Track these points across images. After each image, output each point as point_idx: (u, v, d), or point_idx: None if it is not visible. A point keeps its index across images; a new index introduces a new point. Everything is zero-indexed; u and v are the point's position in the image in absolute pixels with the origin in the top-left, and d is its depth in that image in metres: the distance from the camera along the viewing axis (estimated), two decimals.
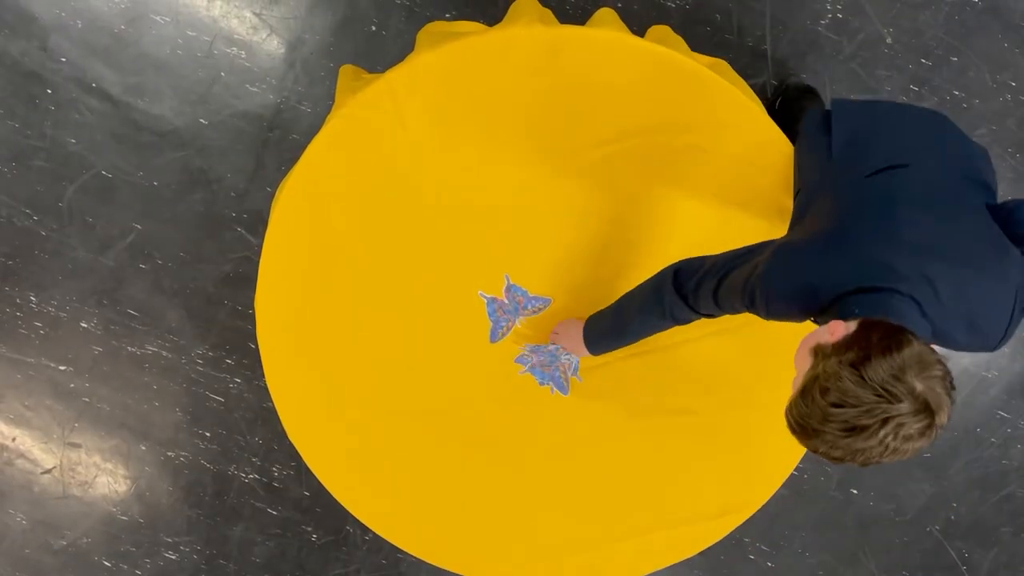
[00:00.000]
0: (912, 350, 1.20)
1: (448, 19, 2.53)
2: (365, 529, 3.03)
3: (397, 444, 2.09)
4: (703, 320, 1.69)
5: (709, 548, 2.12)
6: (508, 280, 2.02)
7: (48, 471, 3.05)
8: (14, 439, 3.02)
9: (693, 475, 2.08)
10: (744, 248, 1.56)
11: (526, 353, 2.05)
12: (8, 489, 3.07)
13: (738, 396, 2.04)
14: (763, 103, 2.33)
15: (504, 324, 2.04)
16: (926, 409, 1.19)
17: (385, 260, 2.00)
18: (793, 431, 1.30)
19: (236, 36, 2.67)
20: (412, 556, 2.15)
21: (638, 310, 1.70)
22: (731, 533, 2.12)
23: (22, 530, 3.08)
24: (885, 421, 1.18)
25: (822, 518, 2.98)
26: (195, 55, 2.68)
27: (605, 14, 2.26)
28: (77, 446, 3.01)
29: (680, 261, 1.66)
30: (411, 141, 1.94)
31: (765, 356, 2.01)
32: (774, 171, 1.92)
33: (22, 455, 3.04)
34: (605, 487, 2.09)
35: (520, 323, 2.04)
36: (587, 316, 1.92)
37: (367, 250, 1.99)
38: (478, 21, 2.45)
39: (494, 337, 2.04)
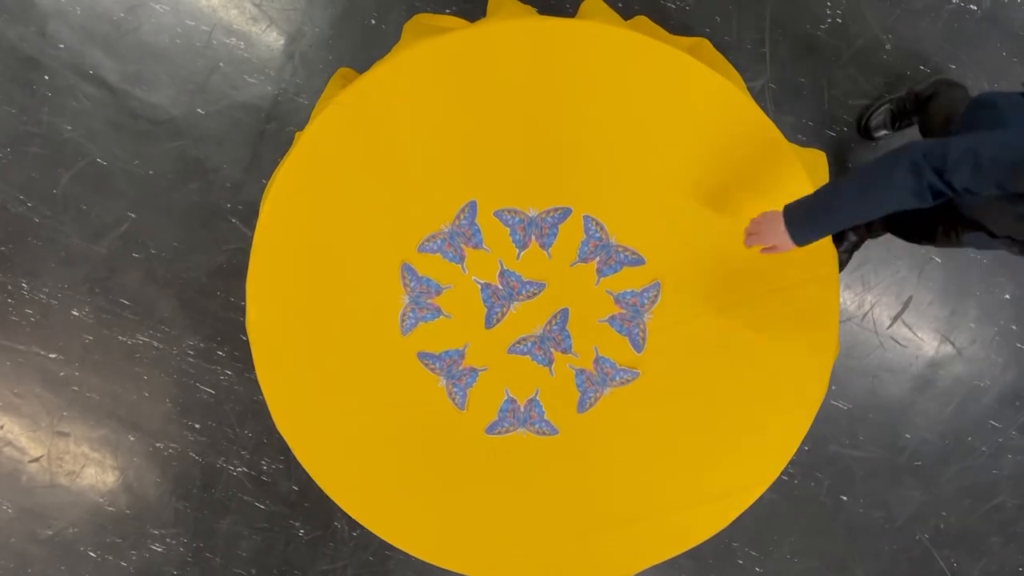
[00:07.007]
0: None
1: (447, 15, 2.53)
2: (353, 525, 3.02)
3: (387, 439, 2.08)
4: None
5: (698, 551, 2.10)
6: (502, 265, 2.01)
7: (36, 459, 3.03)
8: (2, 427, 3.00)
9: (694, 458, 2.06)
10: (971, 136, 1.67)
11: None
12: None
13: (740, 372, 2.02)
14: (766, 108, 2.34)
15: (499, 310, 2.03)
16: None
17: (377, 252, 1.99)
18: None
19: (235, 26, 2.67)
20: (400, 552, 2.14)
21: (885, 186, 1.71)
22: (720, 537, 2.10)
23: (8, 519, 3.06)
24: None
25: (811, 524, 2.97)
26: (194, 44, 2.67)
27: (593, 4, 2.26)
28: (66, 435, 3.00)
29: (918, 144, 1.70)
30: (401, 132, 1.94)
31: (770, 330, 2.00)
32: (755, 151, 1.93)
33: (10, 443, 3.02)
34: (598, 476, 2.07)
35: (515, 308, 2.03)
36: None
37: (359, 242, 1.99)
38: (477, 16, 2.45)
39: (489, 323, 2.03)
